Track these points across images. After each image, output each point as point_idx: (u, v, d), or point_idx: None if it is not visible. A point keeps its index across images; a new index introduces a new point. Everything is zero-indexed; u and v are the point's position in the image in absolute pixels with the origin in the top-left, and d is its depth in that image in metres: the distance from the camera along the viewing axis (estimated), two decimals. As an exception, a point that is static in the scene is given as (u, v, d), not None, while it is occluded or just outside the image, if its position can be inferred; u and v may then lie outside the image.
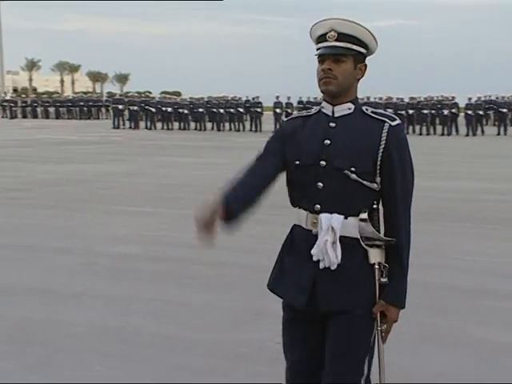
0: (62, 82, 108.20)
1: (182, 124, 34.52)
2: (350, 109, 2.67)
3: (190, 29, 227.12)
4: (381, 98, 33.43)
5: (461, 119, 31.41)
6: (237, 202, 2.62)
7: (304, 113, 2.81)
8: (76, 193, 11.47)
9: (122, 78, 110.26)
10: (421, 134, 31.34)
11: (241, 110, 33.99)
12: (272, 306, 5.42)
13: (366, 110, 2.69)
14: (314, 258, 2.59)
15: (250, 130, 32.69)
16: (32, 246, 7.35)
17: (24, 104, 48.16)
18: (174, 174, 14.20)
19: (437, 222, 8.92)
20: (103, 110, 46.47)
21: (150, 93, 55.87)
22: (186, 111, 34.52)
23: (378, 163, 2.60)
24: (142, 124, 35.23)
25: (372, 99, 33.11)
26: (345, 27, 2.62)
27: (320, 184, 2.62)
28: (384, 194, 2.64)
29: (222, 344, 4.53)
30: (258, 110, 33.33)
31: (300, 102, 34.52)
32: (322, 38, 2.65)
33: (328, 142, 2.63)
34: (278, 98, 34.12)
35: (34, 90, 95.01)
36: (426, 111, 31.95)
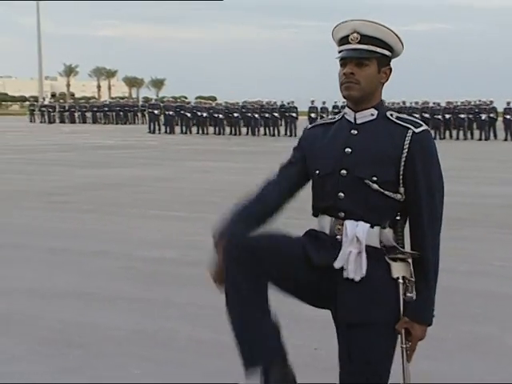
0: (98, 87, 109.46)
1: (217, 129, 34.68)
2: (372, 115, 2.55)
3: (226, 33, 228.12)
4: (417, 103, 33.21)
5: (499, 124, 31.02)
6: (239, 227, 2.50)
7: (327, 119, 2.70)
8: (113, 197, 11.60)
9: (158, 83, 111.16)
10: (458, 139, 31.03)
11: (276, 114, 34.03)
12: (308, 311, 5.42)
13: (391, 115, 2.56)
14: (337, 267, 2.47)
15: (285, 135, 32.72)
16: (69, 250, 7.46)
17: (62, 109, 48.80)
18: (210, 179, 14.28)
19: (474, 227, 8.84)
20: (139, 114, 46.88)
21: (186, 98, 56.18)
22: (221, 116, 34.67)
23: (401, 173, 2.48)
24: (177, 129, 35.46)
25: (408, 104, 32.89)
26: (368, 29, 2.50)
27: (341, 194, 2.51)
28: (409, 205, 2.51)
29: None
30: (293, 114, 33.34)
31: (335, 107, 34.43)
32: (344, 40, 2.54)
33: (349, 150, 2.52)
34: (313, 102, 34.10)
35: (72, 95, 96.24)
36: (463, 116, 31.63)
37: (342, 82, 2.52)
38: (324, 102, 34.76)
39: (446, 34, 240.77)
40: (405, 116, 2.58)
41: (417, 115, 29.51)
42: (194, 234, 8.29)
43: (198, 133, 34.65)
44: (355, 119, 2.57)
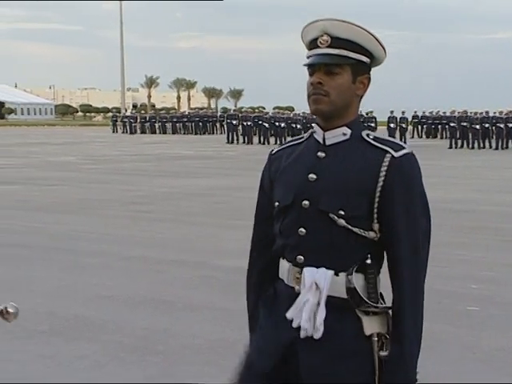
0: (178, 98, 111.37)
1: (294, 139, 34.65)
2: (345, 134, 2.10)
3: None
4: (487, 112, 32.05)
5: None
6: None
7: (295, 139, 2.26)
8: (192, 206, 11.71)
9: (236, 94, 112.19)
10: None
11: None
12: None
13: (367, 135, 2.11)
14: (294, 324, 2.04)
15: (364, 145, 32.40)
16: (147, 258, 7.55)
17: (143, 120, 49.83)
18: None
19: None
20: (218, 125, 47.39)
21: (264, 108, 56.51)
22: (299, 126, 34.67)
23: (375, 205, 2.04)
24: (255, 139, 35.66)
25: (491, 113, 31.99)
26: (339, 30, 2.08)
27: (302, 230, 2.08)
28: (385, 245, 2.07)
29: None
30: (372, 124, 33.02)
31: (415, 117, 33.98)
32: (313, 44, 2.11)
33: (314, 176, 2.09)
34: (392, 112, 33.67)
35: (153, 106, 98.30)
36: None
37: (309, 94, 2.10)
38: (403, 112, 34.29)
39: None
40: (385, 137, 2.14)
41: (501, 125, 28.70)
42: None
43: (275, 143, 34.72)
44: (324, 139, 2.12)
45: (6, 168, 19.13)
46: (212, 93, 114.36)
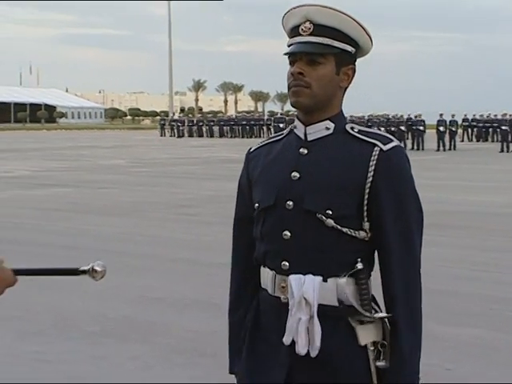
0: (225, 101, 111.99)
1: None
2: (328, 128, 1.96)
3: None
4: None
5: None
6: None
7: (273, 136, 2.13)
8: (239, 209, 11.72)
9: (283, 97, 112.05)
10: None
11: (402, 128, 33.46)
12: (440, 328, 5.23)
13: (352, 129, 1.97)
14: (286, 342, 1.90)
15: (412, 149, 32.08)
16: (196, 260, 7.60)
17: (190, 123, 50.21)
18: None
19: None
20: (265, 128, 47.44)
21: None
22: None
23: (365, 203, 1.90)
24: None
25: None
26: (323, 16, 1.92)
27: (287, 233, 1.93)
28: (376, 245, 1.94)
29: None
30: (421, 128, 32.63)
31: (465, 120, 33.50)
32: (294, 31, 1.96)
33: (297, 175, 1.94)
34: (441, 115, 33.24)
35: (200, 109, 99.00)
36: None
37: (289, 85, 1.95)
38: (453, 115, 33.83)
39: None
40: (370, 130, 2.01)
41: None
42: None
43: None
44: (305, 135, 1.98)
45: (57, 171, 19.49)
46: (259, 96, 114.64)
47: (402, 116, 34.79)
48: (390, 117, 34.75)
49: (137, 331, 5.19)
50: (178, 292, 6.29)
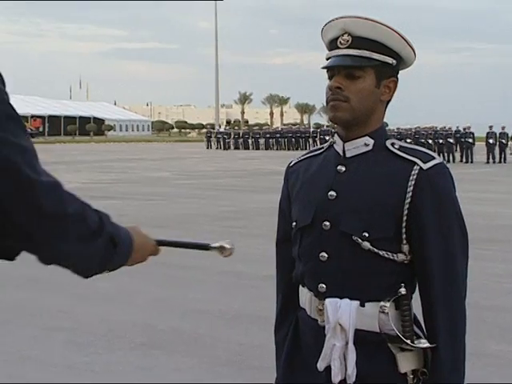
0: (271, 114, 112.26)
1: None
2: (367, 145, 1.89)
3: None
4: None
5: None
6: None
7: (314, 150, 2.05)
8: (285, 222, 11.72)
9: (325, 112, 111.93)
10: None
11: (451, 140, 33.07)
12: (490, 345, 5.14)
13: (393, 145, 1.89)
14: (320, 368, 1.85)
15: (461, 161, 31.67)
16: (243, 273, 7.61)
17: (236, 136, 50.46)
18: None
19: None
20: (310, 140, 47.39)
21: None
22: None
23: (403, 225, 1.82)
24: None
25: None
26: (361, 28, 1.87)
27: (324, 254, 1.87)
28: (416, 268, 1.85)
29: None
30: (470, 140, 32.21)
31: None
32: (333, 44, 1.91)
33: (333, 194, 1.88)
34: (491, 128, 32.75)
35: (246, 122, 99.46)
36: None
37: (328, 100, 1.89)
38: (503, 127, 33.29)
39: None
40: (412, 146, 1.92)
41: None
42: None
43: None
44: (344, 151, 1.91)
45: (106, 183, 19.78)
46: (305, 108, 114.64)
47: (450, 128, 34.39)
48: (438, 129, 34.38)
49: (184, 343, 5.23)
50: (225, 304, 6.32)
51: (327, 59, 1.93)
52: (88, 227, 1.44)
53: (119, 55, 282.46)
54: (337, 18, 1.91)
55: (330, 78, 1.91)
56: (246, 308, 6.19)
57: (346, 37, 1.88)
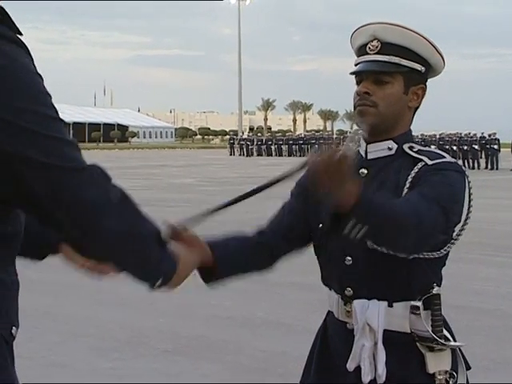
0: (294, 120, 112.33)
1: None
2: (390, 149, 1.90)
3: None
4: None
5: None
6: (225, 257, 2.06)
7: None
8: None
9: (352, 116, 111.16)
10: None
11: (475, 146, 32.81)
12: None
13: (411, 148, 1.90)
14: (350, 369, 1.88)
15: (486, 168, 31.40)
16: (267, 280, 7.56)
17: (259, 142, 50.52)
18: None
19: None
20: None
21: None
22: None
23: None
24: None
25: None
26: (390, 34, 1.87)
27: (349, 258, 1.89)
28: None
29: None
30: (495, 146, 31.94)
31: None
32: (362, 50, 1.93)
33: None
34: (515, 134, 32.44)
35: (269, 128, 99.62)
36: None
37: (355, 105, 1.91)
38: (528, 134, 32.98)
39: None
40: (428, 149, 1.92)
41: None
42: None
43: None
44: (366, 152, 1.93)
45: (130, 189, 19.71)
46: (328, 115, 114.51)
47: (475, 134, 34.13)
48: (463, 135, 34.13)
49: (208, 350, 5.22)
50: (249, 311, 6.31)
51: (356, 65, 1.94)
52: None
53: (143, 62, 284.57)
54: (366, 25, 1.93)
55: (358, 83, 1.92)
56: (270, 315, 6.17)
57: (375, 43, 1.89)
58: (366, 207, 1.64)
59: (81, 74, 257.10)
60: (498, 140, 32.48)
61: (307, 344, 5.95)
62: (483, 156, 33.08)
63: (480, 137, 33.48)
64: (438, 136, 35.14)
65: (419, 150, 1.90)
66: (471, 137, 33.75)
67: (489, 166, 31.62)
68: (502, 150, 32.11)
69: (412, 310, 1.83)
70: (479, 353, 4.58)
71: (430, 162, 1.84)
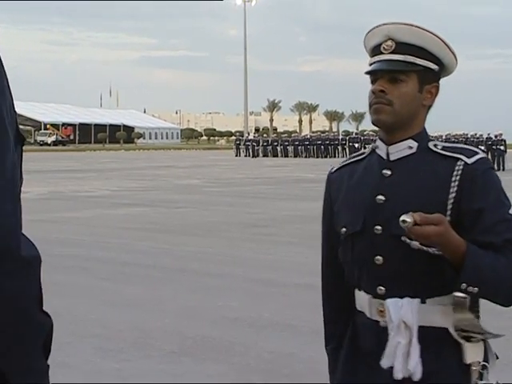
0: (300, 121, 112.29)
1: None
2: (411, 148, 1.93)
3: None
4: None
5: None
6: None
7: (355, 155, 2.09)
8: (314, 230, 11.62)
9: (358, 117, 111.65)
10: None
11: (482, 147, 32.74)
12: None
13: (435, 146, 1.93)
14: (384, 366, 1.88)
15: (492, 169, 31.34)
16: (273, 281, 7.58)
17: (265, 143, 50.54)
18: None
19: None
20: (339, 148, 47.32)
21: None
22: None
23: (448, 219, 1.81)
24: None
25: None
26: (405, 34, 1.92)
27: (379, 258, 1.90)
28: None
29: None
30: (501, 147, 31.89)
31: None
32: (376, 50, 1.96)
33: (382, 198, 1.91)
34: (522, 134, 32.40)
35: (275, 129, 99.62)
36: None
37: (371, 103, 1.93)
38: (535, 134, 32.92)
39: None
40: (455, 145, 1.96)
41: None
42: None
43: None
44: (388, 155, 1.95)
45: (136, 190, 19.89)
46: (334, 116, 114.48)
47: (481, 135, 34.09)
48: (469, 136, 34.10)
49: (215, 351, 5.22)
50: (255, 312, 6.29)
51: (370, 64, 1.97)
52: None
53: (149, 63, 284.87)
54: (380, 25, 1.96)
55: (373, 82, 1.95)
56: (277, 316, 6.15)
57: (389, 42, 1.93)
58: (474, 275, 1.76)
59: (87, 76, 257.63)
60: (505, 141, 32.43)
61: (314, 345, 5.94)
62: (490, 157, 33.05)
63: (486, 138, 33.45)
64: (444, 137, 35.09)
65: (444, 147, 1.93)
66: (477, 138, 33.77)
67: (495, 167, 31.54)
68: (508, 150, 32.07)
69: (453, 302, 1.83)
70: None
71: (469, 161, 1.87)
